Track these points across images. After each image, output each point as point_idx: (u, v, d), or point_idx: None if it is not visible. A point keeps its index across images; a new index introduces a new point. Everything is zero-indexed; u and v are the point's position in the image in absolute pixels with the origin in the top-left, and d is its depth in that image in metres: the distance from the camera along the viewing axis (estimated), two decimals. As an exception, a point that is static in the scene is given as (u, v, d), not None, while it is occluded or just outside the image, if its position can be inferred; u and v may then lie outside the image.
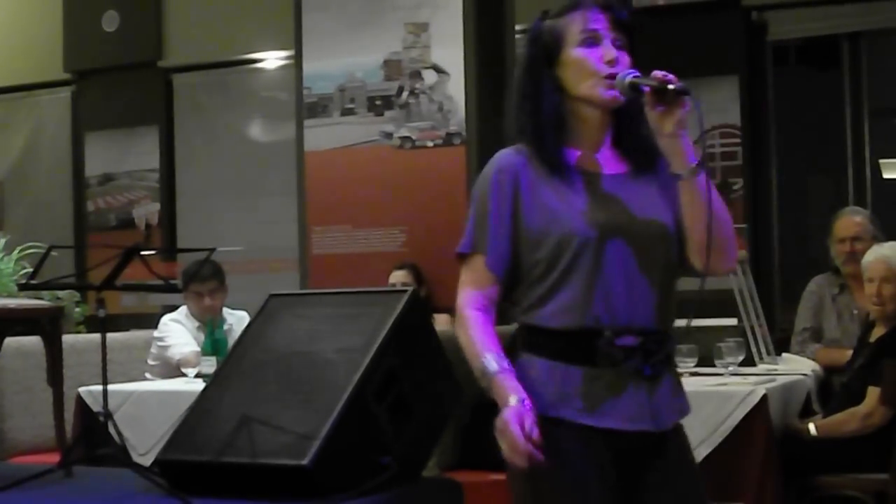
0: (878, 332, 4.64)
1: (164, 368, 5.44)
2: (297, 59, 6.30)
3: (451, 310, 2.69)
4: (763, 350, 5.00)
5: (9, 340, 4.23)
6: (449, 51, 5.88)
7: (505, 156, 2.40)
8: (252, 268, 7.25)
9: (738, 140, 6.37)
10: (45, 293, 4.74)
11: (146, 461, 4.10)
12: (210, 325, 4.97)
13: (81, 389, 4.89)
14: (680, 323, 2.43)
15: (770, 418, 4.17)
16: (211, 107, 7.72)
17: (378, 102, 6.09)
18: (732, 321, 4.95)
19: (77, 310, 6.00)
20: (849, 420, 4.40)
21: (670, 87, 2.25)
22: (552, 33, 2.38)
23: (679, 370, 4.50)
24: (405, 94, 6.03)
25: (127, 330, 6.24)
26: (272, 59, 7.53)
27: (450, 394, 3.09)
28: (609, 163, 2.40)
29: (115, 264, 3.51)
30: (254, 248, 7.30)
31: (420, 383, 2.96)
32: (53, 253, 3.56)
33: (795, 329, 5.45)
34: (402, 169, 6.00)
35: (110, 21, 7.87)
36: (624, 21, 2.38)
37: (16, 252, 4.58)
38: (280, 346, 3.03)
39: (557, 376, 2.30)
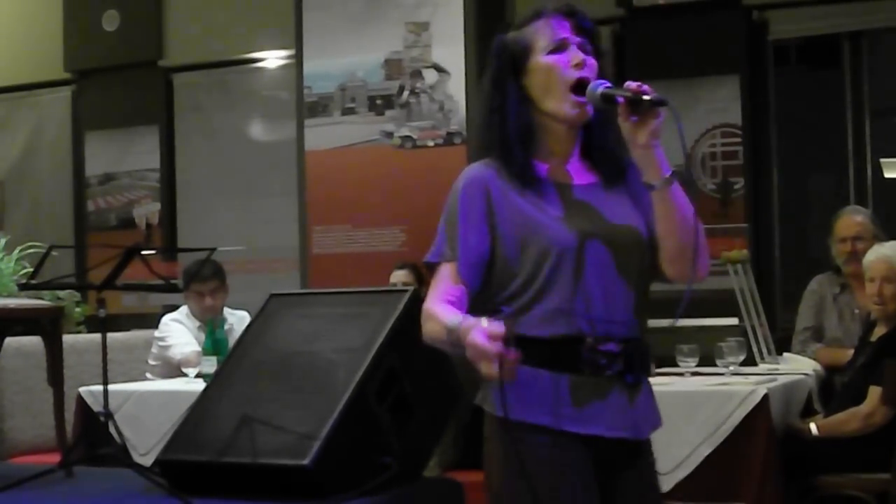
0: (879, 331, 4.64)
1: (164, 368, 5.44)
2: (298, 58, 6.29)
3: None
4: (764, 350, 5.00)
5: (9, 340, 4.23)
6: (450, 50, 5.87)
7: (473, 169, 2.41)
8: (252, 267, 7.24)
9: (738, 139, 6.36)
10: (45, 293, 4.73)
11: (147, 461, 4.11)
12: (211, 324, 4.97)
13: (82, 389, 4.89)
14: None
15: (771, 418, 4.17)
16: (211, 106, 7.71)
17: (379, 102, 6.09)
18: (733, 321, 4.95)
19: (77, 310, 6.00)
20: (850, 420, 4.40)
21: (646, 97, 2.24)
22: (518, 43, 2.40)
23: (680, 370, 4.57)
24: (406, 93, 6.03)
25: (127, 330, 6.24)
26: (273, 59, 7.52)
27: (450, 393, 3.09)
28: (579, 173, 2.41)
29: (116, 264, 3.51)
30: (254, 247, 7.29)
31: (421, 383, 2.96)
32: (54, 253, 3.56)
33: (796, 328, 5.45)
34: (402, 168, 5.99)
35: (111, 20, 7.87)
36: (587, 28, 2.40)
37: (16, 252, 4.56)
38: (281, 346, 3.03)
39: (541, 384, 2.29)
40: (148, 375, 5.49)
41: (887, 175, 6.75)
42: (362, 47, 6.09)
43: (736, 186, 6.33)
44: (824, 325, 5.38)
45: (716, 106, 6.34)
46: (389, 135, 6.06)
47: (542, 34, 2.37)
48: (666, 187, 2.30)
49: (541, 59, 2.36)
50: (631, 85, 2.27)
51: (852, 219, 5.36)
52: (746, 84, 6.37)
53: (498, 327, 2.12)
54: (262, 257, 7.35)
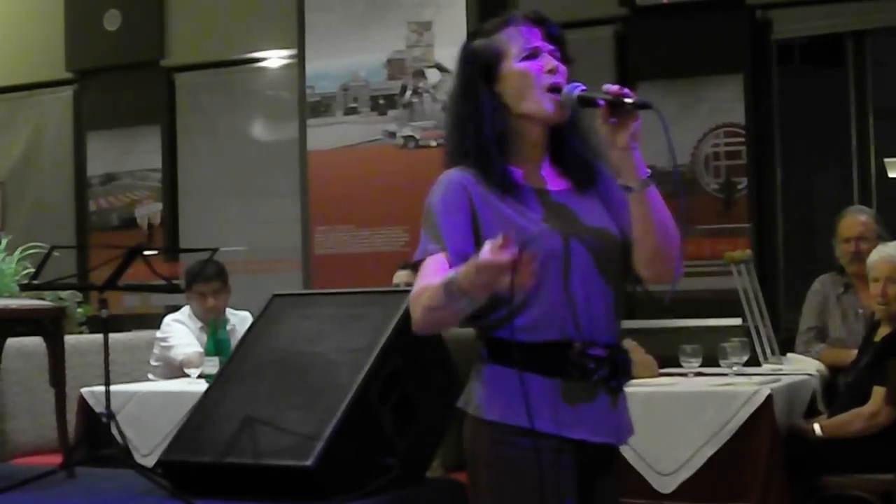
0: (883, 331, 4.63)
1: (166, 369, 5.43)
2: (300, 58, 6.29)
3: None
4: (768, 350, 5.00)
5: (11, 341, 4.23)
6: (452, 49, 5.78)
7: (450, 174, 2.37)
8: (255, 268, 7.23)
9: (742, 139, 6.35)
10: (47, 293, 4.73)
11: (149, 462, 4.11)
12: (213, 325, 4.96)
13: (84, 390, 4.88)
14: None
15: (775, 418, 4.16)
16: (213, 106, 7.70)
17: (381, 101, 6.09)
18: (737, 321, 4.95)
19: (79, 310, 6.00)
20: (854, 420, 4.39)
21: (628, 100, 2.24)
22: (489, 50, 2.40)
23: (683, 370, 4.56)
24: (408, 93, 6.03)
25: (129, 330, 6.23)
26: (275, 59, 7.51)
27: (453, 394, 3.08)
28: (552, 179, 2.42)
29: (118, 264, 3.51)
30: (257, 247, 7.28)
31: (424, 384, 2.95)
32: (55, 253, 3.56)
33: (800, 329, 5.43)
34: (405, 168, 5.99)
35: (112, 20, 7.86)
36: (556, 35, 2.41)
37: (17, 252, 4.56)
38: (283, 346, 3.03)
39: (529, 388, 2.28)
40: (150, 376, 5.48)
41: (891, 175, 6.74)
42: (364, 47, 6.09)
43: (739, 186, 6.32)
44: (828, 325, 5.36)
45: (719, 105, 6.32)
46: (392, 135, 6.06)
47: (513, 42, 2.39)
48: (643, 189, 2.30)
49: (514, 65, 2.37)
50: (612, 88, 2.27)
51: (856, 218, 5.35)
52: (750, 83, 6.35)
53: (499, 239, 2.08)
54: (264, 257, 7.34)
